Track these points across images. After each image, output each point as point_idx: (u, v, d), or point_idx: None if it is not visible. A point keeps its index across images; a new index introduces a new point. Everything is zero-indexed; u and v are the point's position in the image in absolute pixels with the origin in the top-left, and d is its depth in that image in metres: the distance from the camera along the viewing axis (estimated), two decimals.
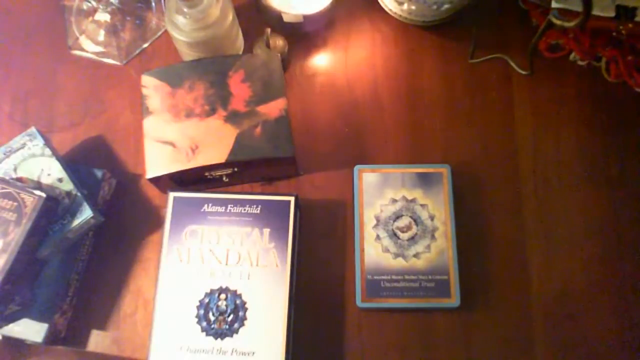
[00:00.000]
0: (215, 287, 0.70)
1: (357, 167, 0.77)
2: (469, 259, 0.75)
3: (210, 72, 0.73)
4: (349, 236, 0.76)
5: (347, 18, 0.86)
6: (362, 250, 0.74)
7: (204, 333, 0.68)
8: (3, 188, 0.68)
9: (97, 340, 0.73)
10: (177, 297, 0.69)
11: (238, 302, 0.69)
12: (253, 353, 0.67)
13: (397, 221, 0.75)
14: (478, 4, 0.83)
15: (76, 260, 0.73)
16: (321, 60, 0.85)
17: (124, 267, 0.76)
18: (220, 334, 0.68)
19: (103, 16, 0.84)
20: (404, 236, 0.74)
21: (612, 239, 0.76)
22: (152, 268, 0.76)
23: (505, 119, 0.81)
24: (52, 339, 0.70)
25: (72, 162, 0.76)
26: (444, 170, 0.76)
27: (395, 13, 0.84)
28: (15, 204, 0.67)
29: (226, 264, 0.70)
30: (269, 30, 0.79)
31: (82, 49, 0.85)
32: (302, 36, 0.85)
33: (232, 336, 0.68)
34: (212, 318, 0.68)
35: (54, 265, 0.72)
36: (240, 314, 0.69)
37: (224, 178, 0.75)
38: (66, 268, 0.72)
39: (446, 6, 0.79)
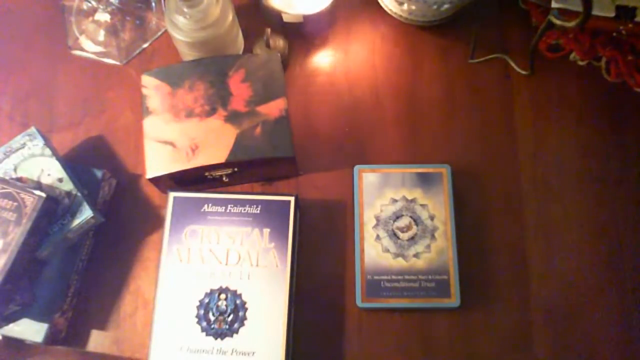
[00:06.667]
0: (215, 287, 0.70)
1: (357, 167, 0.77)
2: (469, 259, 0.75)
3: (210, 72, 0.73)
4: (349, 236, 0.76)
5: (347, 18, 0.86)
6: (362, 250, 0.74)
7: (204, 333, 0.68)
8: (3, 188, 0.68)
9: (97, 340, 0.73)
10: (177, 297, 0.69)
11: (238, 302, 0.69)
12: (253, 353, 0.67)
13: (397, 221, 0.75)
14: (478, 4, 0.83)
15: (76, 260, 0.73)
16: (321, 60, 0.85)
17: (124, 267, 0.76)
18: (220, 334, 0.68)
19: (103, 16, 0.84)
20: (404, 236, 0.74)
21: (612, 239, 0.76)
22: (152, 268, 0.76)
23: (505, 119, 0.81)
24: (52, 339, 0.70)
25: (72, 162, 0.76)
26: (444, 170, 0.76)
27: (395, 13, 0.84)
28: (15, 204, 0.67)
29: (226, 264, 0.70)
30: (269, 30, 0.79)
31: (82, 49, 0.85)
32: (302, 36, 0.85)
33: (232, 336, 0.68)
34: (212, 318, 0.68)
35: (54, 265, 0.72)
36: (240, 314, 0.69)
37: (224, 178, 0.75)
38: (66, 268, 0.72)
39: (446, 6, 0.79)
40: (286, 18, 0.81)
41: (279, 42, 0.82)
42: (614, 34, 0.78)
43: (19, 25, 0.87)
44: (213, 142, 0.71)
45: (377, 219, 0.75)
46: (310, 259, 0.75)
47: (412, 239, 0.74)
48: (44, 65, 0.85)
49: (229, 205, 0.72)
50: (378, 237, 0.74)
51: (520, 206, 0.77)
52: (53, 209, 0.70)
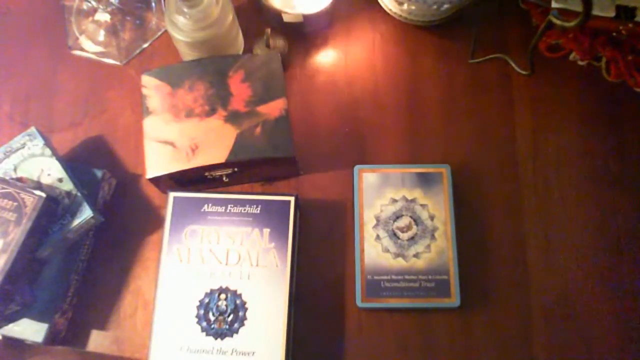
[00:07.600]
0: (215, 287, 0.70)
1: (357, 167, 0.77)
2: (469, 259, 0.75)
3: (210, 72, 0.73)
4: (349, 236, 0.76)
5: (347, 18, 0.86)
6: (362, 250, 0.74)
7: (204, 333, 0.68)
8: (3, 188, 0.68)
9: (97, 340, 0.73)
10: (177, 297, 0.69)
11: (238, 302, 0.69)
12: (253, 353, 0.67)
13: (397, 221, 0.75)
14: (478, 4, 0.83)
15: (76, 260, 0.73)
16: (321, 60, 0.85)
17: (124, 267, 0.76)
18: (220, 334, 0.68)
19: (103, 16, 0.84)
20: (404, 236, 0.74)
21: (612, 239, 0.76)
22: (152, 268, 0.76)
23: (505, 119, 0.81)
24: (52, 339, 0.70)
25: (72, 162, 0.76)
26: (444, 170, 0.76)
27: (395, 13, 0.84)
28: (15, 204, 0.67)
29: (226, 264, 0.70)
30: (269, 30, 0.79)
31: (82, 49, 0.85)
32: (302, 36, 0.85)
33: (232, 336, 0.68)
34: (212, 318, 0.68)
35: (54, 265, 0.72)
36: (240, 314, 0.69)
37: (224, 178, 0.75)
38: (66, 268, 0.72)
39: (446, 6, 0.79)
40: (286, 18, 0.81)
41: (279, 42, 0.82)
42: (614, 34, 0.78)
43: (19, 25, 0.87)
44: (213, 142, 0.71)
45: (377, 219, 0.75)
46: (310, 259, 0.75)
47: (412, 239, 0.74)
48: (44, 65, 0.85)
49: (229, 205, 0.72)
50: (378, 237, 0.74)
51: (520, 206, 0.77)
52: (53, 209, 0.70)
